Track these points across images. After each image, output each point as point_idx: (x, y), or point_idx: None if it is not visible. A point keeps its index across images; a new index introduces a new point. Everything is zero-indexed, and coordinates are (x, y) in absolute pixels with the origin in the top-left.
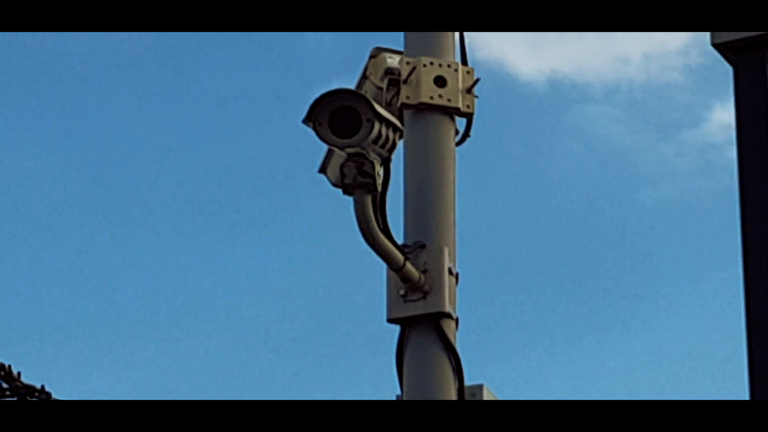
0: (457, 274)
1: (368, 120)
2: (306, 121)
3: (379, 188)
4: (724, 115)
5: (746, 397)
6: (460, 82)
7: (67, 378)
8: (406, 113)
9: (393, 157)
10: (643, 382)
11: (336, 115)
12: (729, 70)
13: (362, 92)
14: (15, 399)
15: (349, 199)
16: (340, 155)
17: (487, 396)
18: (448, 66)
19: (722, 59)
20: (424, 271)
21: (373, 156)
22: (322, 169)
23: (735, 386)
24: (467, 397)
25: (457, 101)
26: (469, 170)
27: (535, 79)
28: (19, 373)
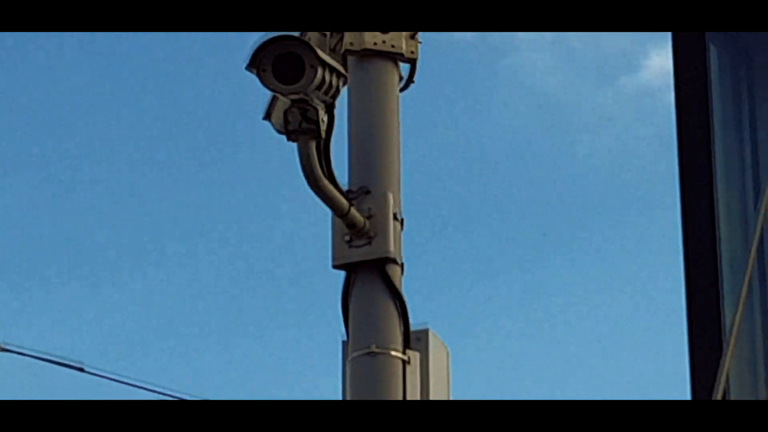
0: (402, 220)
1: (312, 66)
2: (249, 67)
3: (324, 134)
4: (661, 61)
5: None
6: None
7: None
8: (350, 59)
9: (337, 103)
10: (586, 321)
11: (280, 61)
12: None
13: (306, 38)
14: None
15: (294, 146)
16: (284, 102)
17: (432, 340)
18: None
19: None
20: (369, 217)
21: (317, 102)
22: (267, 116)
23: (672, 320)
24: (413, 341)
25: (401, 47)
26: (413, 116)
27: None
28: None
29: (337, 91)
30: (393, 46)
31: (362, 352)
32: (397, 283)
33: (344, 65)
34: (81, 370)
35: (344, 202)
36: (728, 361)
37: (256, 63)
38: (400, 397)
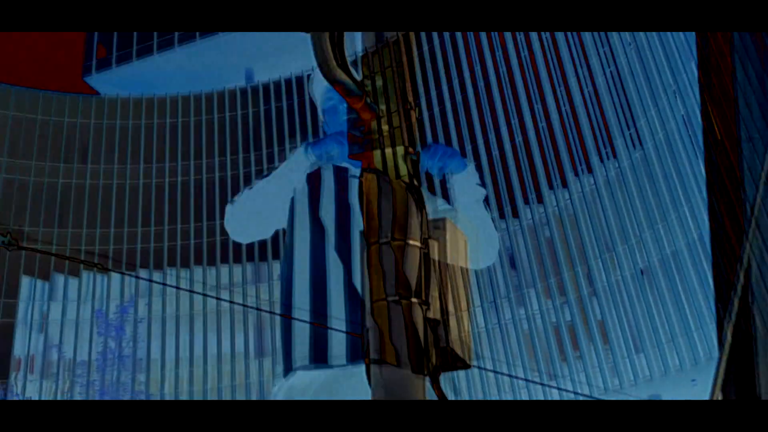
0: (418, 107)
1: None
2: None
3: None
4: None
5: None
6: None
7: None
8: None
9: None
10: (603, 208)
11: None
12: None
13: None
14: None
15: (308, 36)
16: None
17: (450, 228)
18: None
19: None
20: None
21: None
22: None
23: (694, 203)
24: (430, 230)
25: None
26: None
27: None
28: None
29: None
30: None
31: (381, 241)
32: (413, 172)
33: None
34: (101, 266)
35: (359, 91)
36: (751, 240)
37: None
38: (417, 283)
